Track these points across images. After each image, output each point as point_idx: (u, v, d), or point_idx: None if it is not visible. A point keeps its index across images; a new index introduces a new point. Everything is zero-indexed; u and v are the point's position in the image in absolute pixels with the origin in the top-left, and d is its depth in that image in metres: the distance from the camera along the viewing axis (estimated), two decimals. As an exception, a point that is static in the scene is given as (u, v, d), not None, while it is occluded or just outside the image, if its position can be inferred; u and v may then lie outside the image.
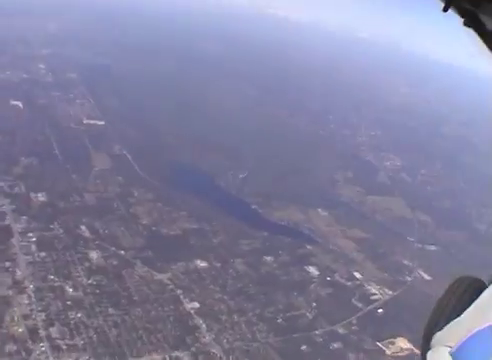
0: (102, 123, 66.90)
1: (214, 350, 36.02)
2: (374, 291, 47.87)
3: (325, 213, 59.60)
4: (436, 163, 79.78)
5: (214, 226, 50.69)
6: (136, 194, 53.03)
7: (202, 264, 44.50)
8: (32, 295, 35.72)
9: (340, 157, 74.36)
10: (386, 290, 48.35)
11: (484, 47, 4.31)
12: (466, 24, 4.29)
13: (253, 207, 57.15)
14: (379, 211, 64.06)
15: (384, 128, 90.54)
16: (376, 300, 46.81)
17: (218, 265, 45.06)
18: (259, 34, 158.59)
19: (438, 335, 1.51)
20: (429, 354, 1.41)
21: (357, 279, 49.20)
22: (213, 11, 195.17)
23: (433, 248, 56.01)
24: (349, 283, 48.64)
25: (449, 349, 1.32)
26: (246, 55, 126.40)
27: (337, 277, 48.79)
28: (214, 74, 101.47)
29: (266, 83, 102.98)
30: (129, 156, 60.04)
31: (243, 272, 45.50)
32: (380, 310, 45.35)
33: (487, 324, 1.23)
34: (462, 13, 4.25)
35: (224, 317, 39.39)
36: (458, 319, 1.49)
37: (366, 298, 46.70)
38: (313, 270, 48.74)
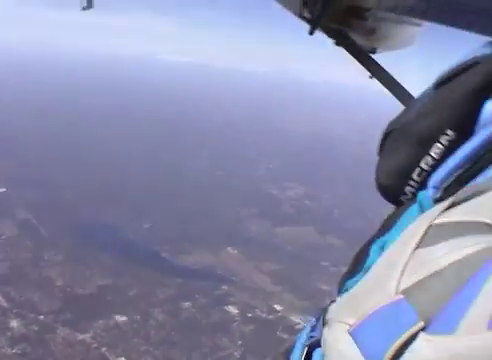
0: (3, 190, 66.15)
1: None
2: (297, 320, 48.14)
3: (235, 251, 59.89)
4: (339, 185, 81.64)
5: (127, 279, 49.99)
6: (46, 257, 51.47)
7: (122, 319, 43.84)
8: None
9: (242, 193, 75.07)
10: (309, 318, 48.68)
11: (360, 66, 5.12)
12: (338, 44, 5.14)
13: (163, 255, 56.73)
14: (289, 241, 64.71)
15: (283, 158, 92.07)
16: (301, 329, 47.61)
17: (138, 317, 44.53)
18: (152, 81, 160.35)
19: (334, 308, 1.40)
20: (325, 332, 1.34)
21: (278, 311, 49.53)
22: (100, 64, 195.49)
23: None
24: (271, 316, 49.01)
25: (347, 327, 1.20)
26: (141, 103, 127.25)
27: (258, 312, 48.99)
28: (108, 124, 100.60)
29: (162, 129, 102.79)
30: (34, 220, 58.05)
31: (164, 321, 45.13)
32: (306, 338, 46.23)
33: (390, 300, 1.15)
34: (331, 34, 5.10)
35: (152, 369, 38.45)
36: (355, 289, 1.32)
37: (290, 328, 46.72)
38: (233, 309, 48.69)
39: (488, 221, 1.12)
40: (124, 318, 44.14)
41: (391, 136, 1.94)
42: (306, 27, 4.74)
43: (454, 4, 4.23)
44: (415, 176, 1.78)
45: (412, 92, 4.87)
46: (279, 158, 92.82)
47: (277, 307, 50.35)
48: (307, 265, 57.67)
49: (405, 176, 1.77)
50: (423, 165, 1.77)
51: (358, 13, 4.87)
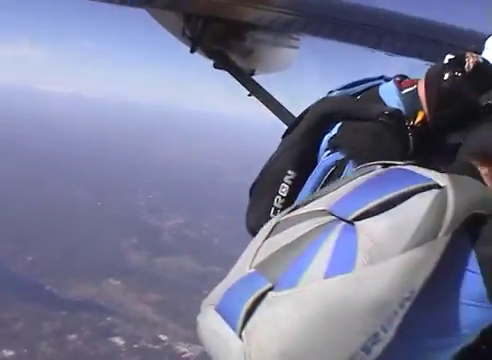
0: None
1: None
2: (183, 349, 48.51)
3: (117, 282, 59.82)
4: (218, 214, 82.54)
5: (12, 313, 48.91)
6: None
7: (9, 353, 43.19)
8: None
9: (122, 224, 74.93)
10: (195, 346, 48.14)
11: (240, 87, 5.28)
12: (216, 66, 5.29)
13: (47, 288, 55.97)
14: (170, 271, 65.16)
15: (162, 189, 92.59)
16: (188, 358, 48.00)
17: (25, 351, 43.92)
18: (28, 110, 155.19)
19: (205, 300, 1.71)
20: (198, 318, 1.62)
21: (164, 341, 49.95)
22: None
23: None
24: (157, 346, 49.39)
25: (213, 306, 1.55)
26: (20, 134, 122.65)
27: (144, 343, 49.28)
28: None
29: (40, 160, 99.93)
30: None
31: (51, 354, 44.70)
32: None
33: (244, 275, 1.55)
34: (211, 55, 5.20)
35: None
36: (223, 281, 1.71)
37: (177, 357, 47.98)
38: (118, 340, 48.75)
39: (321, 208, 1.63)
40: (11, 352, 43.62)
41: (256, 182, 2.53)
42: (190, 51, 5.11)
43: (331, 19, 4.81)
44: (272, 215, 2.26)
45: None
46: (159, 188, 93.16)
47: (162, 337, 50.95)
48: (189, 294, 57.19)
49: (267, 216, 2.21)
50: (276, 204, 2.33)
51: (237, 33, 5.17)
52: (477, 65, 2.45)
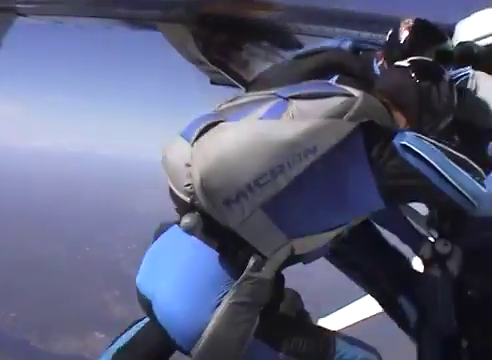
0: None
1: None
2: None
3: (102, 335, 58.52)
4: None
5: None
6: None
7: None
8: None
9: (104, 277, 74.56)
10: None
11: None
12: (213, 82, 6.00)
13: (32, 344, 55.63)
14: None
15: (140, 240, 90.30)
16: None
17: None
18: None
19: None
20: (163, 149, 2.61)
21: None
22: None
23: None
24: None
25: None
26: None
27: None
28: None
29: (17, 218, 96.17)
30: None
31: None
32: None
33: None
34: (216, 64, 5.55)
35: None
36: None
37: None
38: None
39: (273, 92, 2.53)
40: None
41: None
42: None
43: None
44: None
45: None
46: (137, 240, 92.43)
47: None
48: None
49: None
50: None
51: (238, 44, 5.50)
52: (411, 30, 3.18)
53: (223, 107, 2.50)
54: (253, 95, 2.57)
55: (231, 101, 2.57)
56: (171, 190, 2.42)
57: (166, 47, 5.31)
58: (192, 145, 2.20)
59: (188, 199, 2.25)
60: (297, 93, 2.39)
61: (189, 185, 2.19)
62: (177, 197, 2.34)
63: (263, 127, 2.23)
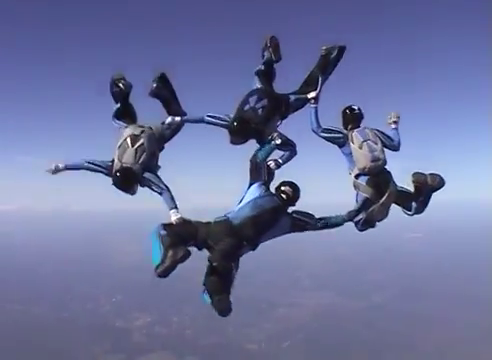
0: None
1: None
2: None
3: None
4: (184, 306, 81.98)
5: None
6: None
7: None
8: None
9: (92, 331, 74.14)
10: None
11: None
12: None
13: None
14: None
15: (124, 291, 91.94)
16: None
17: None
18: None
19: None
20: None
21: None
22: None
23: None
24: None
25: None
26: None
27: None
28: None
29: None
30: None
31: None
32: None
33: None
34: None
35: None
36: None
37: None
38: None
39: None
40: None
41: None
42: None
43: None
44: None
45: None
46: (120, 291, 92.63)
47: None
48: None
49: None
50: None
51: None
52: None
53: None
54: None
55: None
56: None
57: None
58: None
59: None
60: None
61: None
62: None
63: None
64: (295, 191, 7.41)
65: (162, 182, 7.53)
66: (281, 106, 7.89)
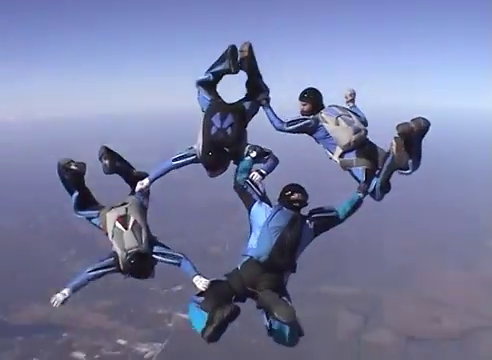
0: None
1: None
2: (144, 350, 49.64)
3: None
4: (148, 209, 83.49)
5: None
6: None
7: None
8: None
9: (58, 239, 75.76)
10: (155, 344, 50.37)
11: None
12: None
13: None
14: (114, 276, 64.67)
15: None
16: (150, 357, 49.07)
17: None
18: None
19: None
20: None
21: (123, 346, 50.76)
22: None
23: (179, 288, 57.16)
24: (118, 352, 50.08)
25: None
26: None
27: (104, 351, 49.94)
28: None
29: None
30: None
31: None
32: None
33: None
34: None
35: None
36: None
37: (140, 359, 49.17)
38: (79, 354, 49.52)
39: None
40: (-26, 389, 43.49)
41: None
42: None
43: None
44: None
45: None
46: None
47: (121, 342, 51.84)
48: (137, 294, 59.08)
49: None
50: None
51: None
52: None
53: None
54: None
55: None
56: None
57: None
58: None
59: None
60: None
61: None
62: None
63: None
64: (302, 193, 6.86)
65: (174, 251, 7.09)
66: (245, 117, 7.37)
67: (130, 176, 7.71)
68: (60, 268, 67.57)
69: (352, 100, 7.74)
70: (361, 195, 7.06)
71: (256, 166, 7.25)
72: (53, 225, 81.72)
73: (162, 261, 6.99)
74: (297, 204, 6.77)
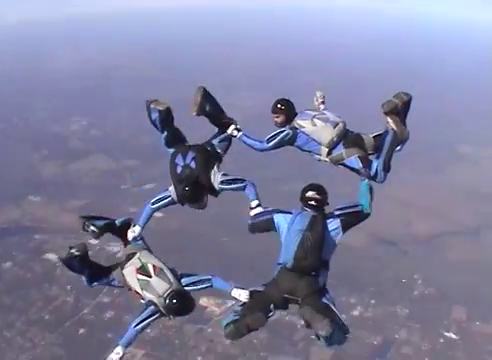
0: None
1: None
2: (116, 249, 47.83)
3: (37, 198, 60.26)
4: (119, 110, 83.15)
5: None
6: None
7: None
8: None
9: (28, 139, 75.19)
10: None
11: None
12: None
13: None
14: (86, 174, 66.15)
15: (59, 96, 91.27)
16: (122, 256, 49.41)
17: None
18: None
19: None
20: None
21: (95, 245, 48.25)
22: None
23: (150, 186, 57.09)
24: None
25: None
26: None
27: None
28: None
29: None
30: None
31: None
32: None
33: None
34: None
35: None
36: None
37: (113, 258, 44.37)
38: (52, 256, 48.74)
39: None
40: None
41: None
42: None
43: None
44: None
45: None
46: (56, 97, 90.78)
47: (92, 242, 47.82)
48: (109, 192, 59.83)
49: None
50: None
51: None
52: None
53: None
54: None
55: None
56: None
57: None
58: None
59: None
60: None
61: None
62: None
63: None
64: (319, 191, 6.62)
65: (199, 275, 6.99)
66: (206, 149, 7.36)
67: (121, 234, 7.74)
68: (32, 170, 67.96)
69: (322, 102, 7.84)
70: (367, 181, 6.98)
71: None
72: (25, 126, 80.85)
73: (195, 290, 6.96)
74: (314, 202, 6.58)
